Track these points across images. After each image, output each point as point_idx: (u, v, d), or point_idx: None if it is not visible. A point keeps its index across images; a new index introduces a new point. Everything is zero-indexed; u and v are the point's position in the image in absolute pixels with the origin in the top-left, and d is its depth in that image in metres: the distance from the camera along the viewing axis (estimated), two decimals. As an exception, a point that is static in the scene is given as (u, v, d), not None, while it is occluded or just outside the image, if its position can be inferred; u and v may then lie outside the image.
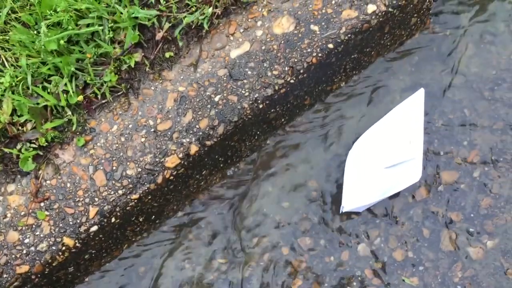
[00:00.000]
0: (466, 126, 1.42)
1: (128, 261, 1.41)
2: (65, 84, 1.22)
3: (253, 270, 1.38)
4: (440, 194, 1.38)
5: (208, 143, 1.26)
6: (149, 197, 1.27)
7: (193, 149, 1.25)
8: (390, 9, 1.30)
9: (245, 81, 1.26)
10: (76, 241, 1.22)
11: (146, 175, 1.23)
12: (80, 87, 1.24)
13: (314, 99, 1.44)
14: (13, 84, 1.21)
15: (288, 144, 1.46)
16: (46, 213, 1.21)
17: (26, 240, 1.20)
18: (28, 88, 1.22)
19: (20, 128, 1.22)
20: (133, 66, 1.25)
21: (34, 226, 1.21)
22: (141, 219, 1.33)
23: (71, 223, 1.21)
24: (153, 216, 1.36)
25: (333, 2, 1.29)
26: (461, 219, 1.36)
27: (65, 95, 1.22)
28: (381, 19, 1.30)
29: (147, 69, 1.27)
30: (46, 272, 1.23)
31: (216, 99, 1.25)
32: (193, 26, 1.28)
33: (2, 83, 1.20)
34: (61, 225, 1.21)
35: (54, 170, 1.23)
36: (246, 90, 1.26)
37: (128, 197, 1.23)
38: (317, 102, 1.47)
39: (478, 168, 1.39)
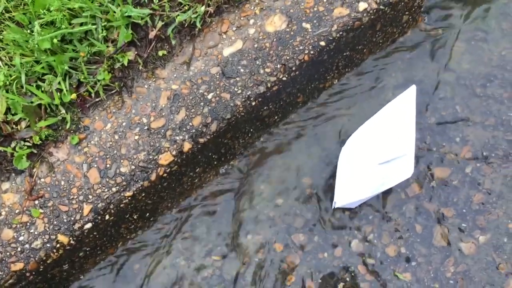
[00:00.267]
0: (458, 122, 1.43)
1: (122, 258, 1.42)
2: (59, 83, 1.23)
3: (247, 266, 1.39)
4: (432, 190, 1.39)
5: (201, 140, 1.27)
6: (143, 195, 1.27)
7: (187, 146, 1.25)
8: (381, 7, 1.31)
9: (237, 78, 1.27)
10: (70, 238, 1.22)
11: (140, 172, 1.24)
12: (74, 86, 1.25)
13: (307, 96, 1.45)
14: (7, 83, 1.22)
15: (281, 142, 1.47)
16: (41, 210, 1.22)
17: (21, 238, 1.21)
18: (22, 87, 1.23)
19: (14, 126, 1.23)
20: (126, 64, 1.26)
21: (28, 223, 1.22)
22: (135, 217, 1.34)
23: (65, 220, 1.22)
24: (147, 214, 1.37)
25: (325, 0, 1.30)
26: (454, 215, 1.37)
27: (58, 93, 1.23)
28: (372, 17, 1.31)
29: (140, 68, 1.28)
30: (41, 269, 1.23)
31: (209, 96, 1.26)
32: (186, 25, 1.28)
33: (-4, 82, 1.21)
34: (55, 222, 1.22)
35: (48, 168, 1.24)
36: (239, 88, 1.27)
37: (122, 194, 1.24)
38: (310, 100, 1.48)
39: (470, 164, 1.40)
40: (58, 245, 1.22)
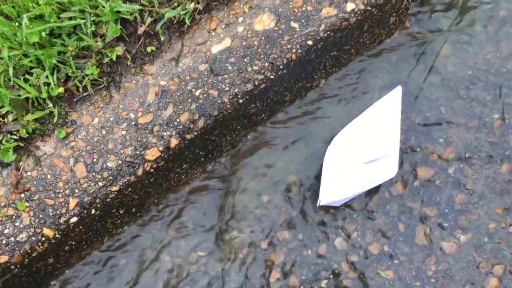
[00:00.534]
0: (442, 123, 1.46)
1: (109, 253, 1.42)
2: (47, 77, 1.23)
3: (232, 262, 1.40)
4: (416, 189, 1.41)
5: (188, 136, 1.27)
6: (130, 190, 1.28)
7: (174, 142, 1.26)
8: (368, 8, 1.33)
9: (225, 76, 1.28)
10: (56, 232, 1.23)
11: (127, 167, 1.25)
12: (62, 80, 1.25)
13: (294, 95, 1.47)
14: (-5, 75, 1.22)
15: (268, 139, 1.48)
16: (26, 204, 1.22)
17: (6, 231, 1.21)
18: (9, 80, 1.23)
19: (1, 119, 1.23)
20: (114, 59, 1.26)
21: (14, 216, 1.22)
22: (121, 212, 1.34)
23: (51, 214, 1.22)
24: (134, 209, 1.38)
25: (313, 0, 1.31)
26: (436, 214, 1.39)
27: (46, 87, 1.23)
28: (360, 18, 1.33)
29: (128, 63, 1.29)
30: (26, 262, 1.24)
31: (197, 93, 1.27)
32: (175, 21, 1.29)
33: (-17, 74, 1.21)
34: (41, 216, 1.22)
35: (35, 162, 1.24)
36: (227, 85, 1.28)
37: (108, 189, 1.24)
38: (297, 99, 1.49)
39: (453, 165, 1.42)
40: (43, 239, 1.22)
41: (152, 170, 1.28)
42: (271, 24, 1.30)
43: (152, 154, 1.25)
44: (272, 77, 1.31)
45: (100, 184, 1.24)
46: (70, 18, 1.24)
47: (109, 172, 1.24)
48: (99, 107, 1.27)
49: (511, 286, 1.31)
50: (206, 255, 1.41)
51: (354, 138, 1.41)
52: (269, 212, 1.43)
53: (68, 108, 1.27)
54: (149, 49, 1.29)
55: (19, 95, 1.23)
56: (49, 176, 1.23)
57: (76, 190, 1.23)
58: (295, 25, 1.30)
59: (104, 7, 1.24)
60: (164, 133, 1.26)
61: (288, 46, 1.29)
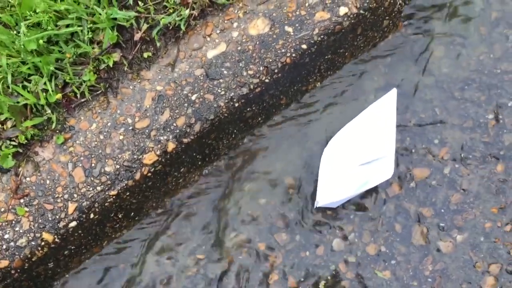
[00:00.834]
0: (437, 124, 1.47)
1: (107, 257, 1.43)
2: (45, 83, 1.25)
3: (231, 265, 1.42)
4: (412, 190, 1.43)
5: (185, 140, 1.29)
6: (128, 194, 1.29)
7: (171, 146, 1.28)
8: (361, 11, 1.34)
9: (221, 80, 1.30)
10: (55, 236, 1.24)
11: (124, 171, 1.26)
12: (60, 86, 1.27)
13: (290, 98, 1.49)
14: (-6, 83, 1.24)
15: (265, 143, 1.49)
16: (26, 209, 1.24)
17: (6, 236, 1.22)
18: (8, 87, 1.25)
19: (0, 126, 1.25)
20: (111, 65, 1.28)
21: (13, 222, 1.23)
22: (120, 216, 1.36)
23: (50, 219, 1.23)
24: (132, 213, 1.39)
25: (307, 4, 1.33)
26: (432, 214, 1.40)
27: (44, 94, 1.25)
28: (353, 21, 1.35)
29: (125, 69, 1.31)
30: (26, 267, 1.25)
31: (193, 98, 1.29)
32: (171, 27, 1.31)
33: (-18, 82, 1.23)
34: (40, 221, 1.23)
35: (34, 167, 1.26)
36: (222, 89, 1.29)
37: (107, 193, 1.26)
38: (293, 102, 1.51)
39: (449, 165, 1.44)
40: (43, 243, 1.24)
41: (149, 174, 1.29)
42: (265, 28, 1.32)
43: (149, 158, 1.27)
44: (267, 81, 1.32)
45: (99, 188, 1.25)
46: (67, 26, 1.26)
47: (107, 177, 1.25)
48: (97, 113, 1.29)
49: (507, 285, 1.32)
50: (205, 258, 1.42)
51: (350, 140, 1.42)
52: (267, 214, 1.44)
53: (66, 114, 1.29)
54: (145, 55, 1.31)
55: (18, 102, 1.24)
56: (48, 181, 1.25)
57: (75, 195, 1.24)
58: (289, 29, 1.32)
59: (100, 14, 1.26)
60: (161, 138, 1.27)
61: (283, 50, 1.31)
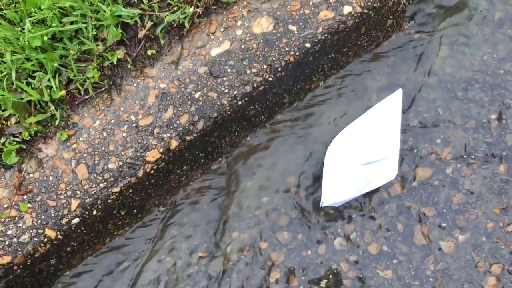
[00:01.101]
0: (440, 124, 1.47)
1: (110, 254, 1.44)
2: (49, 80, 1.25)
3: (232, 263, 1.42)
4: (414, 190, 1.43)
5: (188, 138, 1.29)
6: (130, 191, 1.30)
7: (174, 144, 1.28)
8: (365, 11, 1.34)
9: (224, 78, 1.30)
10: (58, 233, 1.25)
11: (127, 169, 1.26)
12: (64, 83, 1.28)
13: (293, 97, 1.49)
14: (-2, 79, 1.24)
15: (268, 141, 1.50)
16: (29, 205, 1.24)
17: (9, 232, 1.22)
18: (12, 83, 1.25)
19: (4, 122, 1.25)
20: (115, 63, 1.28)
21: (16, 218, 1.23)
22: (122, 213, 1.36)
23: (53, 215, 1.24)
24: (135, 210, 1.40)
25: (311, 3, 1.33)
26: (434, 214, 1.40)
27: (48, 90, 1.25)
28: (357, 20, 1.35)
29: (129, 66, 1.31)
30: (28, 263, 1.25)
31: (196, 95, 1.29)
32: (175, 25, 1.31)
33: (-14, 78, 1.24)
34: (43, 217, 1.24)
35: (37, 164, 1.26)
36: (226, 87, 1.30)
37: (109, 190, 1.26)
38: (296, 101, 1.51)
39: (451, 165, 1.44)
40: (45, 240, 1.24)
41: (152, 171, 1.29)
42: (269, 27, 1.32)
43: (152, 155, 1.27)
44: (270, 79, 1.32)
45: (101, 185, 1.25)
46: (72, 23, 1.27)
47: (110, 174, 1.25)
48: (100, 110, 1.29)
49: (509, 285, 1.32)
50: (207, 256, 1.43)
51: (354, 139, 1.42)
52: (269, 213, 1.44)
53: (70, 110, 1.29)
54: (149, 52, 1.31)
55: (22, 98, 1.25)
56: (51, 178, 1.25)
57: (78, 192, 1.25)
58: (293, 28, 1.32)
59: (105, 11, 1.26)
60: (164, 135, 1.27)
61: (286, 49, 1.31)
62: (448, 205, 1.40)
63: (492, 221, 1.38)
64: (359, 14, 1.34)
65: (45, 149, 1.27)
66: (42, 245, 1.24)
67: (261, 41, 1.31)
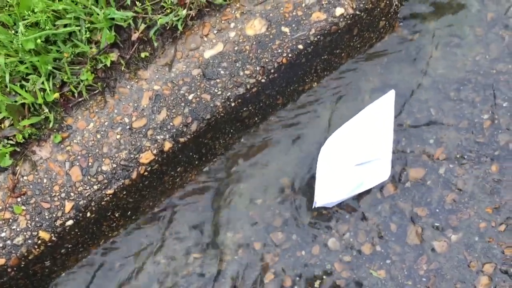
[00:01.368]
0: (433, 125, 1.48)
1: (104, 256, 1.44)
2: (43, 83, 1.26)
3: (227, 264, 1.42)
4: (407, 190, 1.43)
5: (181, 140, 1.30)
6: (124, 193, 1.30)
7: (167, 145, 1.29)
8: (357, 12, 1.35)
9: (218, 80, 1.31)
10: (52, 235, 1.25)
11: (121, 171, 1.27)
12: (57, 86, 1.28)
13: (287, 98, 1.49)
14: (-9, 82, 1.25)
15: (261, 142, 1.50)
16: (23, 207, 1.24)
17: (3, 234, 1.23)
18: (6, 86, 1.25)
19: (-3, 125, 1.26)
20: (109, 65, 1.29)
21: (10, 220, 1.24)
22: (117, 215, 1.37)
23: (47, 217, 1.24)
24: (129, 212, 1.40)
25: (303, 5, 1.34)
26: (427, 214, 1.41)
27: (42, 93, 1.26)
28: (349, 22, 1.36)
29: (123, 69, 1.31)
30: (22, 265, 1.26)
31: (190, 97, 1.30)
32: (168, 27, 1.32)
33: (-20, 81, 1.24)
34: (37, 219, 1.24)
35: (31, 166, 1.27)
36: (219, 89, 1.30)
37: (103, 192, 1.26)
38: (290, 102, 1.52)
39: (444, 165, 1.44)
40: (39, 242, 1.24)
41: (146, 173, 1.30)
42: (262, 29, 1.33)
43: (146, 157, 1.27)
44: (263, 81, 1.33)
45: (95, 187, 1.26)
46: (65, 25, 1.27)
47: (104, 176, 1.26)
48: (94, 112, 1.30)
49: (501, 284, 1.33)
50: (201, 257, 1.43)
51: (347, 140, 1.43)
52: (263, 214, 1.45)
53: (64, 113, 1.30)
54: (143, 54, 1.32)
55: (16, 101, 1.25)
56: (45, 180, 1.26)
57: (72, 194, 1.25)
58: (285, 29, 1.33)
59: (98, 14, 1.27)
60: (158, 137, 1.28)
61: (279, 50, 1.32)
62: (441, 205, 1.41)
63: (484, 220, 1.39)
64: (351, 15, 1.34)
65: (39, 152, 1.27)
66: (36, 247, 1.24)
67: (254, 43, 1.32)
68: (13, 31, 1.26)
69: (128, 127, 1.28)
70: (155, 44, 1.32)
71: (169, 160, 1.33)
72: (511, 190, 1.40)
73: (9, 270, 1.24)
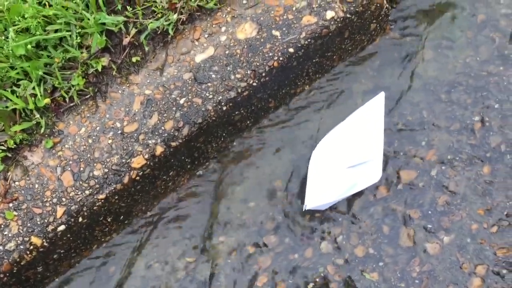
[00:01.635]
0: (424, 127, 1.48)
1: (97, 261, 1.44)
2: (33, 88, 1.26)
3: (220, 268, 1.42)
4: (399, 192, 1.44)
5: (173, 144, 1.30)
6: (116, 197, 1.30)
7: (159, 150, 1.29)
8: (348, 15, 1.36)
9: (209, 84, 1.31)
10: (44, 240, 1.25)
11: (113, 175, 1.27)
12: (49, 91, 1.28)
13: (279, 102, 1.50)
14: (-18, 88, 1.24)
15: (254, 146, 1.50)
16: (15, 213, 1.24)
17: (-5, 240, 1.23)
18: (-3, 91, 1.26)
19: (-11, 130, 1.26)
20: (100, 70, 1.29)
21: (2, 226, 1.24)
22: (109, 219, 1.36)
23: (39, 222, 1.24)
24: (122, 217, 1.40)
25: (294, 8, 1.34)
26: (419, 216, 1.41)
27: (33, 98, 1.26)
28: (340, 25, 1.36)
29: (114, 73, 1.32)
30: (15, 271, 1.25)
31: (181, 101, 1.30)
32: (159, 32, 1.32)
33: (-29, 87, 1.24)
34: (29, 224, 1.24)
35: (23, 172, 1.27)
36: (210, 93, 1.31)
37: (95, 197, 1.26)
38: (282, 105, 1.52)
39: (436, 167, 1.45)
40: (31, 247, 1.24)
41: (138, 178, 1.30)
42: (253, 32, 1.33)
43: (137, 162, 1.28)
44: (255, 84, 1.33)
45: (87, 192, 1.26)
46: (56, 31, 1.27)
47: (96, 181, 1.26)
48: (86, 117, 1.30)
49: (493, 285, 1.33)
50: (194, 261, 1.43)
51: (338, 142, 1.43)
52: (256, 217, 1.45)
53: (55, 118, 1.30)
54: (134, 59, 1.32)
55: (7, 107, 1.25)
56: (36, 186, 1.26)
57: (64, 199, 1.25)
58: (276, 33, 1.33)
59: (89, 19, 1.27)
60: (150, 141, 1.28)
61: (270, 54, 1.32)
62: (433, 207, 1.42)
63: (476, 222, 1.39)
64: (342, 18, 1.35)
65: (30, 157, 1.27)
66: (28, 252, 1.24)
67: (245, 46, 1.32)
68: (3, 37, 1.26)
69: (119, 131, 1.28)
70: (146, 49, 1.33)
71: (161, 165, 1.33)
72: (502, 192, 1.41)
73: (1, 276, 1.24)
